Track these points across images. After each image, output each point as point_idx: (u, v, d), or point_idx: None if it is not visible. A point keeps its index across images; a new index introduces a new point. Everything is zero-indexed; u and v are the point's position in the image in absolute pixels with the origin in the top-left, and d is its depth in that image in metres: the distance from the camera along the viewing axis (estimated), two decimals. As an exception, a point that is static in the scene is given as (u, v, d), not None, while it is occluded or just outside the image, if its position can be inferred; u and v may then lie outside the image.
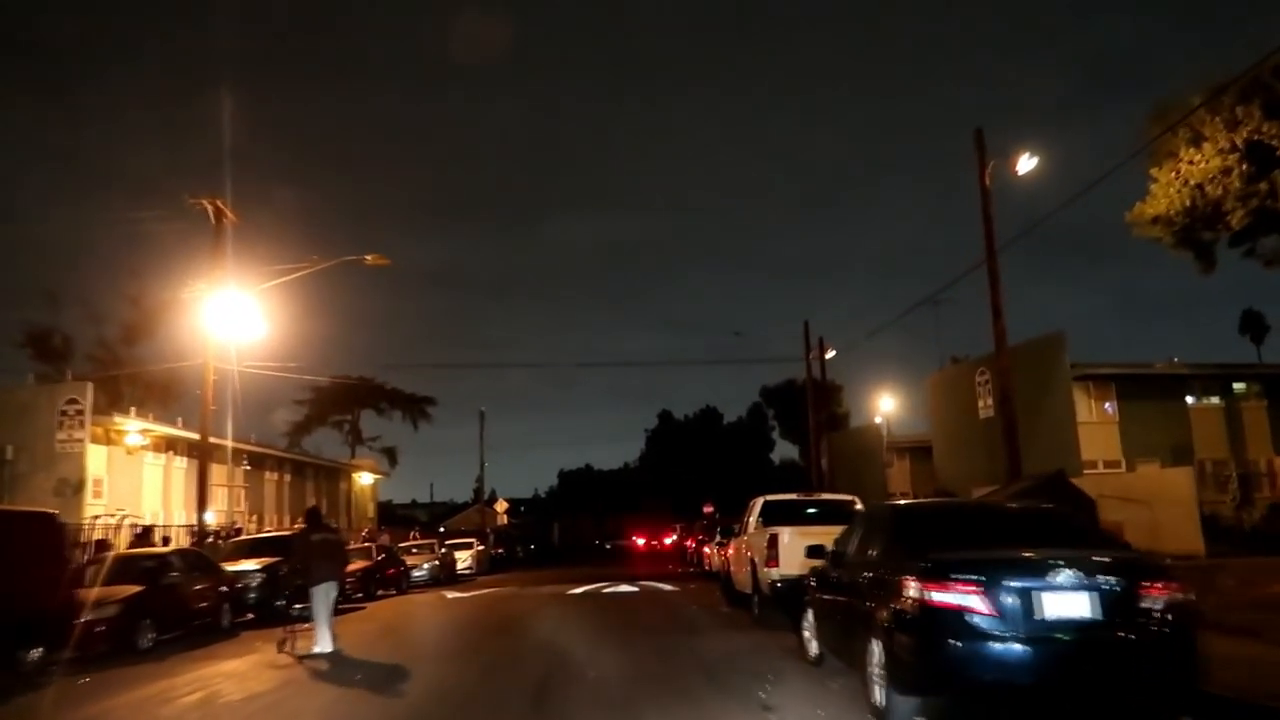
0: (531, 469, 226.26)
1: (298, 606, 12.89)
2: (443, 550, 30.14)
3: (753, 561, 14.30)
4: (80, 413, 24.71)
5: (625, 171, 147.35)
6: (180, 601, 14.53)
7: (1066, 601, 5.72)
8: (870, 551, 7.36)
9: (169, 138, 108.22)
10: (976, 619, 5.72)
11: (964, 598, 5.76)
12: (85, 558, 17.44)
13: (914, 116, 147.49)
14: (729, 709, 7.56)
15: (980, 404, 29.09)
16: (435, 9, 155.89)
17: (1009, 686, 5.71)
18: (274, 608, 16.20)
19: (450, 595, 23.19)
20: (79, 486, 24.48)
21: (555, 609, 17.60)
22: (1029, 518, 7.57)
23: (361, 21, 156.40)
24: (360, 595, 21.52)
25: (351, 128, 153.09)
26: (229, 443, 27.35)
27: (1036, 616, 5.69)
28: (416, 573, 26.83)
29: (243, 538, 23.60)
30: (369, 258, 22.75)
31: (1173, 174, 22.13)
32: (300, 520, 14.36)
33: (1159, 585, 5.80)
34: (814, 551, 9.12)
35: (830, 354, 35.79)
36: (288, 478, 40.04)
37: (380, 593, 22.99)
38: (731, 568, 17.75)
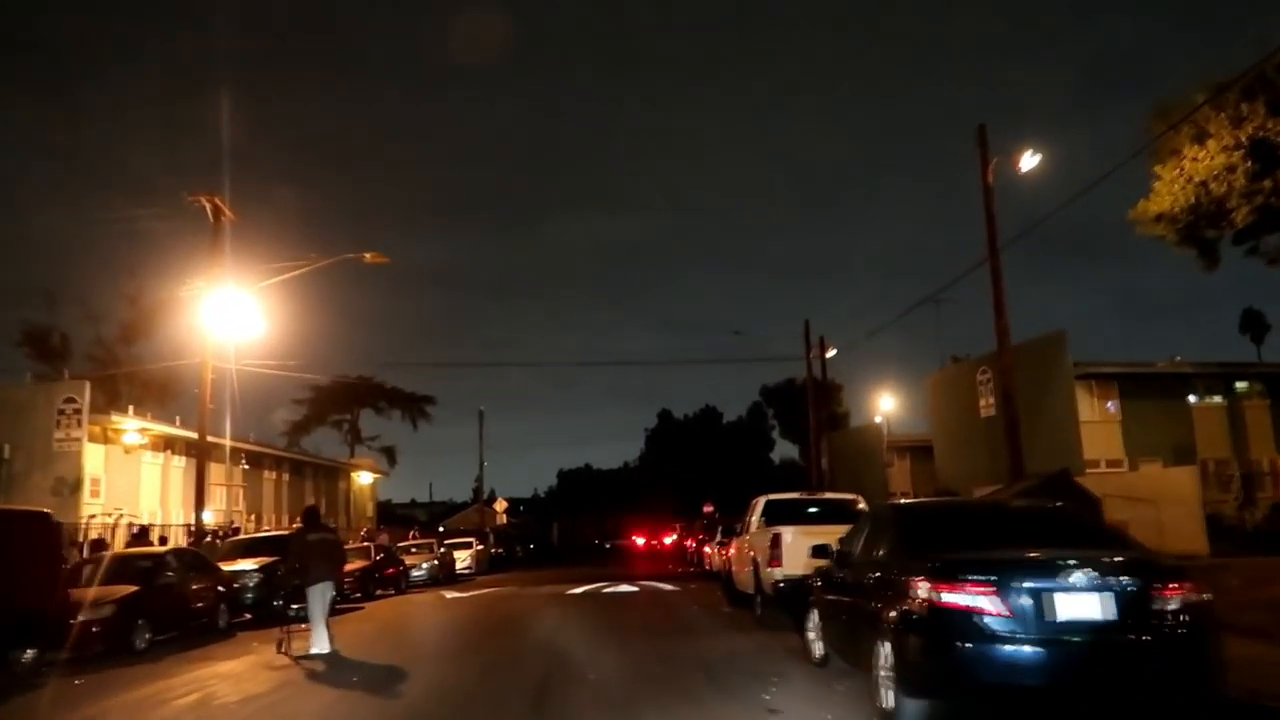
0: (531, 469, 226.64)
1: (295, 607, 12.78)
2: (442, 550, 30.02)
3: (755, 561, 14.18)
4: (78, 412, 24.61)
5: (625, 171, 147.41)
6: (177, 602, 14.39)
7: (1080, 603, 5.58)
8: (877, 551, 7.23)
9: (168, 137, 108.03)
10: (988, 620, 5.59)
11: (975, 599, 5.63)
12: (81, 557, 17.33)
13: (914, 117, 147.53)
14: (733, 711, 7.43)
15: (981, 403, 28.99)
16: (435, 9, 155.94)
17: (1021, 689, 5.57)
18: (271, 608, 16.08)
19: (449, 595, 23.07)
20: (76, 486, 24.38)
21: (555, 609, 17.48)
22: (1038, 517, 7.43)
23: (361, 21, 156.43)
24: (359, 595, 21.41)
25: (351, 128, 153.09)
26: (227, 442, 27.26)
27: (1049, 618, 5.55)
28: (415, 572, 26.70)
29: (240, 537, 23.48)
30: (368, 256, 22.64)
31: (1176, 171, 22.01)
32: (298, 520, 14.24)
33: (1174, 586, 5.66)
34: (819, 551, 9.00)
35: (831, 353, 35.67)
36: (286, 477, 39.92)
37: (379, 593, 22.86)
38: (733, 568, 17.63)
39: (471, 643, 13.19)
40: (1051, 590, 5.60)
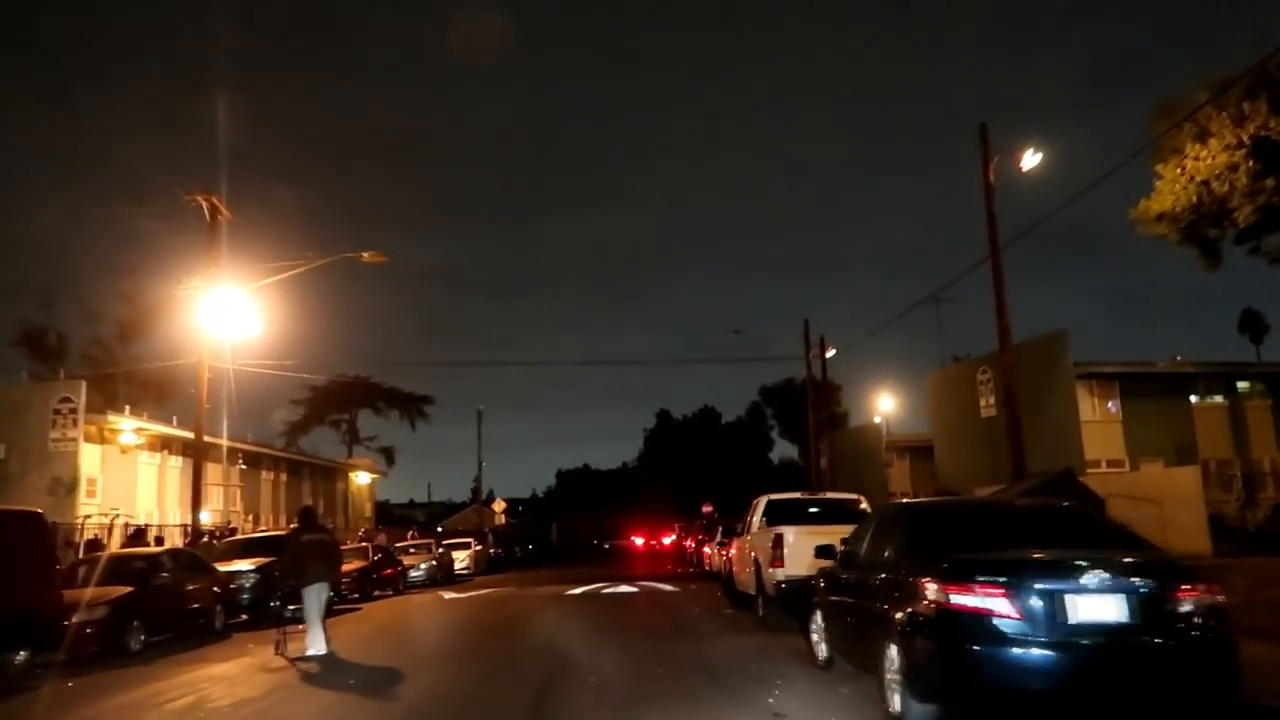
0: (530, 469, 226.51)
1: (291, 608, 12.64)
2: (440, 550, 29.87)
3: (757, 562, 14.04)
4: (74, 411, 24.46)
5: (625, 171, 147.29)
6: (172, 603, 14.25)
7: (1097, 605, 5.44)
8: (884, 552, 7.09)
9: (167, 137, 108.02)
10: (1001, 623, 5.45)
11: (987, 600, 5.48)
12: (76, 558, 17.18)
13: (914, 117, 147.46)
14: (738, 715, 7.29)
15: (982, 403, 28.90)
16: (435, 9, 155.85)
17: (1034, 694, 5.43)
18: (268, 609, 15.94)
19: (448, 596, 22.93)
20: (72, 486, 24.23)
21: (554, 610, 17.35)
22: (1049, 516, 7.27)
23: (361, 21, 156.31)
24: (356, 596, 21.28)
25: (351, 128, 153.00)
26: (224, 442, 27.09)
27: (1064, 620, 5.41)
28: (414, 573, 26.55)
29: (237, 537, 23.33)
30: (366, 255, 22.50)
31: (1178, 170, 21.89)
32: (295, 520, 14.12)
33: (1193, 588, 5.52)
34: (823, 551, 8.84)
35: (830, 353, 35.56)
36: (284, 477, 39.77)
37: (377, 593, 22.72)
38: (734, 568, 17.49)
39: (470, 644, 13.05)
40: (1066, 592, 5.47)
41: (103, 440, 26.48)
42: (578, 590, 21.72)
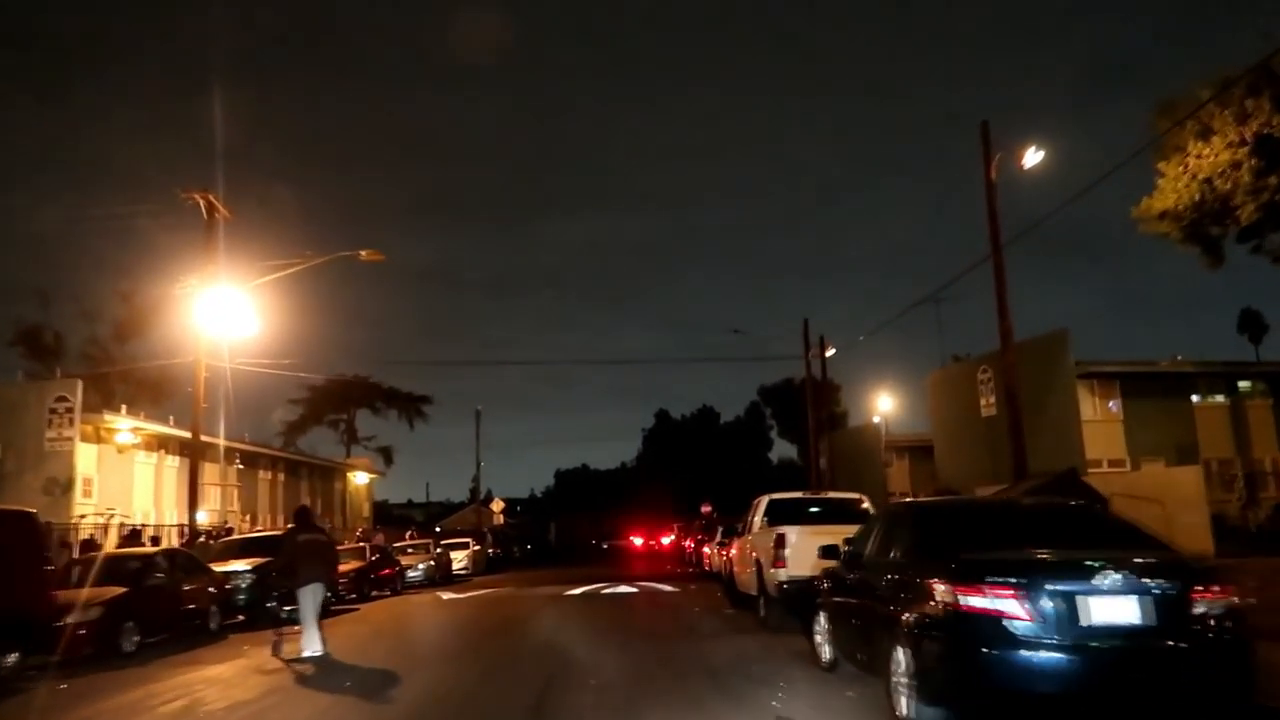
0: (529, 469, 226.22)
1: (287, 609, 12.49)
2: (438, 550, 29.74)
3: (758, 562, 13.91)
4: (70, 411, 24.34)
5: (625, 171, 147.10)
6: (167, 603, 14.10)
7: (1113, 606, 5.30)
8: (892, 552, 6.95)
9: (166, 136, 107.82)
10: (1014, 625, 5.31)
11: (1000, 602, 5.35)
12: (71, 558, 17.03)
13: (914, 117, 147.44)
14: (741, 719, 7.16)
15: (982, 402, 28.80)
16: (435, 9, 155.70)
17: (1048, 697, 5.29)
18: (264, 609, 15.79)
19: (446, 596, 22.79)
20: (68, 485, 24.09)
21: (553, 610, 17.22)
22: (1060, 516, 7.13)
23: (361, 21, 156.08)
24: (354, 596, 21.12)
25: (351, 128, 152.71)
26: (221, 441, 26.94)
27: (1080, 622, 5.27)
28: (412, 573, 26.40)
29: (233, 538, 23.18)
30: (363, 254, 22.39)
31: (1181, 168, 21.80)
32: (291, 520, 14.00)
33: (1212, 589, 5.39)
34: (828, 552, 8.71)
35: (830, 352, 35.43)
36: (282, 477, 39.63)
37: (374, 594, 22.57)
38: (735, 568, 17.35)
39: (469, 644, 12.92)
40: (1082, 593, 5.33)
41: (99, 440, 26.34)
42: (577, 591, 21.58)
